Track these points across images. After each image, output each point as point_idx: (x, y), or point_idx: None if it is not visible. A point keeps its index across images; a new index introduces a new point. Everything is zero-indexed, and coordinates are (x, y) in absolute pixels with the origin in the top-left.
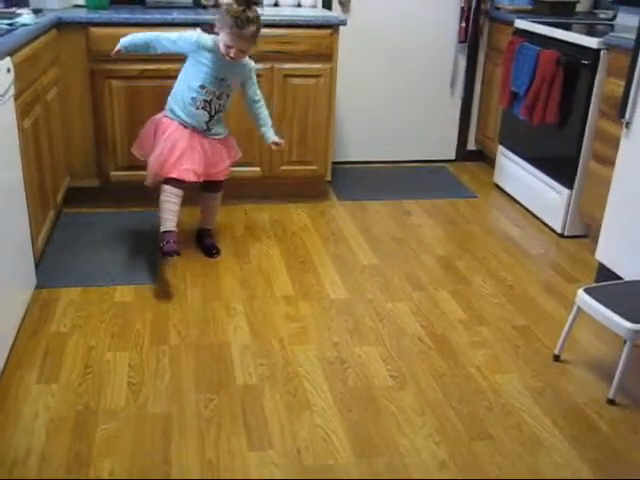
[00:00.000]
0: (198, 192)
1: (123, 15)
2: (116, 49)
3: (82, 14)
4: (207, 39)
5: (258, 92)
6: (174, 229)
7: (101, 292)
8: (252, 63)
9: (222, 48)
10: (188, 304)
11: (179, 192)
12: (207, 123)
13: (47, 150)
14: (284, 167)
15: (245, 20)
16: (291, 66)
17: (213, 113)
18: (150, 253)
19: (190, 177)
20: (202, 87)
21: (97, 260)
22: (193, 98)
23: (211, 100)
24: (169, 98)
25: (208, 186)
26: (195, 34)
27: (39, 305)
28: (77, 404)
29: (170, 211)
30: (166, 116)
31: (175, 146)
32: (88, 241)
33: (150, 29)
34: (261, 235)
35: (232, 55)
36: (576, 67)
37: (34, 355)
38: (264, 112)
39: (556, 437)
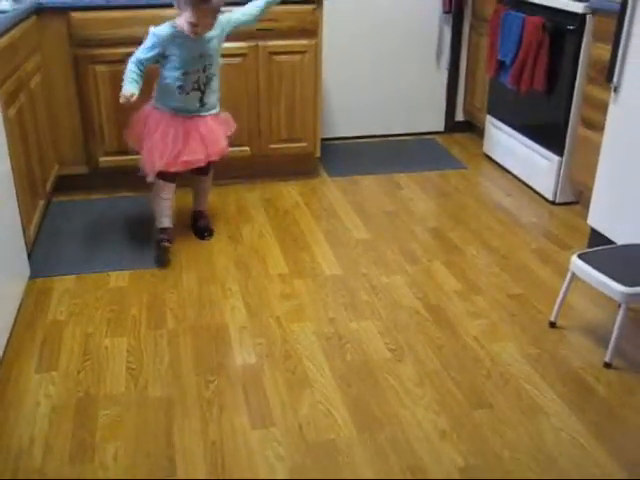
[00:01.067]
0: (189, 175)
1: None
2: (130, 96)
3: None
4: (164, 29)
5: (245, 10)
6: (170, 225)
7: (96, 279)
8: (225, 20)
9: (187, 28)
10: (184, 287)
11: (172, 186)
12: (200, 100)
13: (34, 138)
14: (273, 145)
15: None
16: (276, 43)
17: (204, 87)
18: (143, 237)
19: (198, 163)
20: (185, 73)
21: (90, 247)
22: (180, 86)
23: (198, 78)
24: (156, 90)
25: (199, 168)
26: (151, 33)
27: (34, 295)
28: (78, 391)
29: (166, 207)
30: (156, 108)
31: (172, 139)
32: (80, 228)
33: (131, 11)
34: (253, 215)
35: (199, 32)
36: (562, 33)
37: (32, 345)
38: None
39: (555, 402)
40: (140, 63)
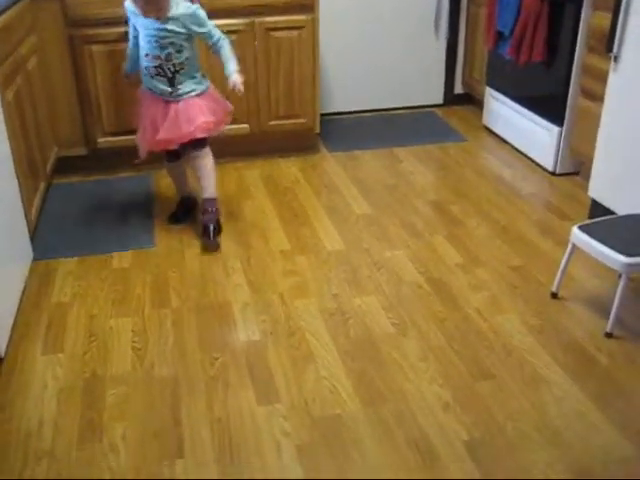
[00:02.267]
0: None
1: None
2: (126, 74)
3: None
4: (129, 3)
5: (213, 34)
6: (182, 196)
7: (99, 260)
8: (187, 9)
9: (138, 10)
10: (186, 266)
11: (173, 164)
12: (170, 87)
13: (32, 121)
14: (272, 122)
15: None
16: (272, 19)
17: (171, 75)
18: (145, 217)
19: (175, 141)
20: (146, 55)
21: (92, 228)
22: (146, 67)
23: (160, 65)
24: None
25: (189, 146)
26: (125, 5)
27: (37, 277)
28: (84, 372)
29: (176, 182)
30: (143, 88)
31: (149, 119)
32: (81, 210)
33: None
34: (253, 192)
35: (150, 15)
36: (561, 2)
37: (37, 327)
38: (223, 51)
39: (557, 373)
40: (131, 37)
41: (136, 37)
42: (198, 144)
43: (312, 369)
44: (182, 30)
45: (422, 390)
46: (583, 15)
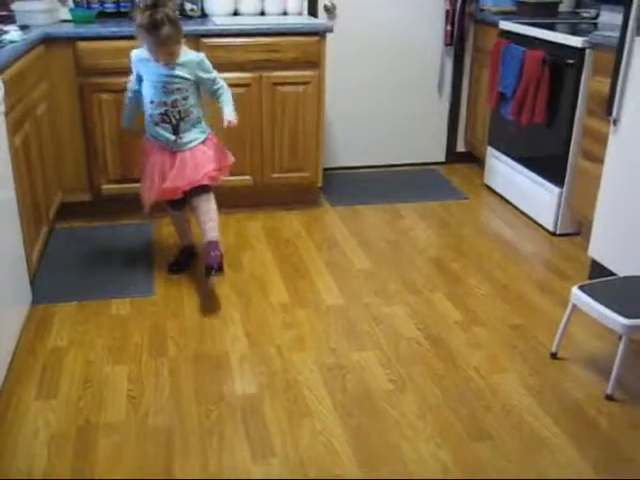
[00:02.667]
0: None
1: (110, 28)
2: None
3: (69, 29)
4: (137, 51)
5: (217, 81)
6: (184, 245)
7: (97, 306)
8: (195, 57)
9: (151, 55)
10: (185, 315)
11: (178, 213)
12: (175, 135)
13: (38, 166)
14: (275, 175)
15: (154, 24)
16: (279, 74)
17: (175, 123)
18: (145, 265)
19: (180, 189)
20: (151, 102)
21: (92, 274)
22: (150, 115)
23: (166, 111)
24: None
25: (193, 192)
26: (131, 54)
27: (35, 321)
28: (78, 419)
29: (180, 231)
30: (147, 137)
31: (156, 168)
32: (82, 255)
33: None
34: (254, 243)
35: (161, 59)
36: (562, 66)
37: (32, 372)
38: (224, 97)
39: (557, 435)
40: (132, 87)
41: (138, 91)
42: (203, 190)
43: (308, 424)
44: (189, 76)
45: (419, 449)
46: (583, 79)
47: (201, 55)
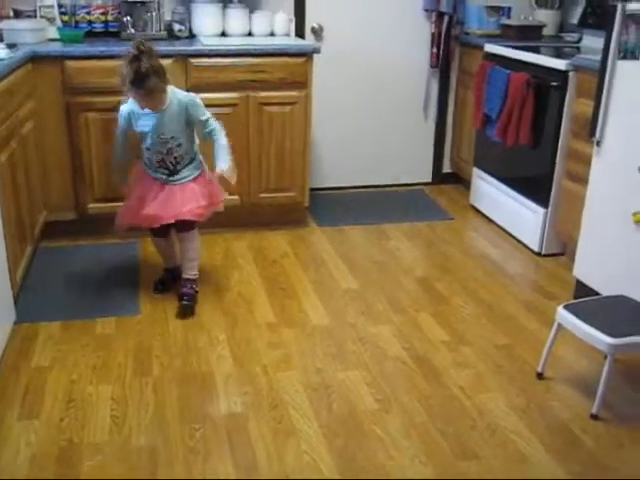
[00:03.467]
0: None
1: (98, 48)
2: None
3: (57, 48)
4: (125, 106)
5: (209, 123)
6: (168, 267)
7: (82, 325)
8: (184, 97)
9: (137, 104)
10: (170, 334)
11: (161, 240)
12: (170, 175)
13: (24, 184)
14: (262, 195)
15: (140, 78)
16: (266, 94)
17: (172, 167)
18: (131, 284)
19: (153, 223)
20: (148, 149)
21: (77, 293)
22: (148, 158)
23: (162, 159)
24: None
25: (178, 226)
26: (121, 111)
27: (19, 340)
28: (60, 439)
29: (162, 255)
30: (140, 163)
31: (140, 193)
32: (67, 274)
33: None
34: (241, 263)
35: (149, 107)
36: (546, 88)
37: (15, 391)
38: (218, 142)
39: (542, 454)
40: (120, 134)
41: (124, 144)
42: (185, 227)
43: (293, 443)
44: (179, 123)
45: (405, 469)
46: (567, 101)
47: (191, 95)
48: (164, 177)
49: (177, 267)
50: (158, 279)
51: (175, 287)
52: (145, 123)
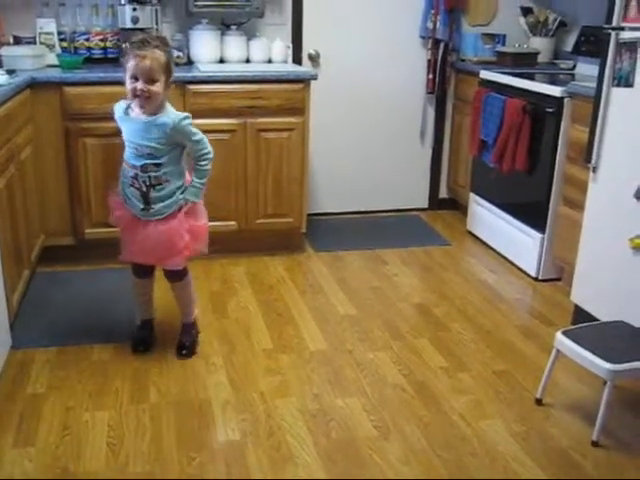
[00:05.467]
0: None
1: (97, 74)
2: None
3: (56, 74)
4: (118, 104)
5: (202, 143)
6: (144, 319)
7: (78, 351)
8: (175, 117)
9: (129, 93)
10: (167, 361)
11: (143, 281)
12: (143, 203)
13: (21, 209)
14: (260, 220)
15: (144, 41)
16: (264, 120)
17: (145, 190)
18: (127, 310)
19: (137, 259)
20: (126, 162)
21: (74, 319)
22: (124, 175)
23: (136, 175)
24: None
25: (166, 273)
26: (114, 108)
27: (14, 366)
28: (55, 467)
29: (139, 302)
30: (117, 193)
31: (122, 225)
32: (64, 300)
33: (124, 87)
34: (238, 289)
35: (138, 92)
36: (542, 115)
37: (10, 418)
38: (202, 168)
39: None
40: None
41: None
42: (175, 275)
43: (292, 471)
44: (162, 141)
45: None
46: (563, 128)
47: (182, 115)
48: (137, 203)
49: (153, 319)
50: (137, 337)
51: (155, 341)
52: (130, 127)
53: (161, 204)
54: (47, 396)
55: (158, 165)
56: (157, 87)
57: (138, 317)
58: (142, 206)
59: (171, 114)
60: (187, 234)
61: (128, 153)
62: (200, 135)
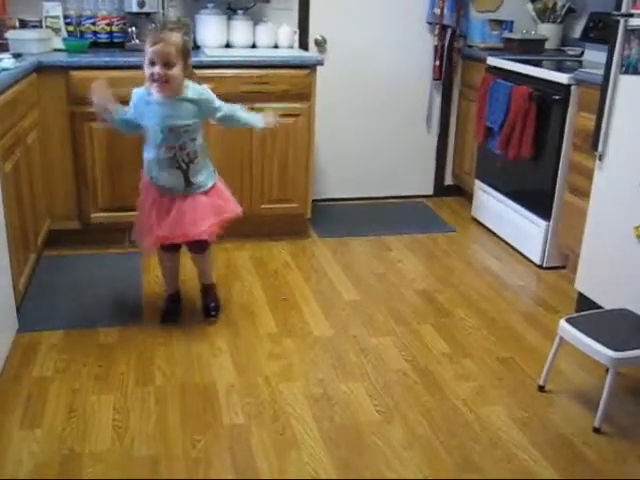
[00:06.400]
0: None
1: (103, 58)
2: (107, 114)
3: (62, 58)
4: (139, 90)
5: (226, 108)
6: (173, 291)
7: (84, 334)
8: (202, 92)
9: (147, 79)
10: (172, 345)
11: (171, 255)
12: (185, 181)
13: (28, 193)
14: (265, 205)
15: (164, 25)
16: (270, 105)
17: (185, 167)
18: (133, 294)
19: (175, 239)
20: (158, 146)
21: (79, 302)
22: (158, 160)
23: (174, 155)
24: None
25: (191, 246)
26: (132, 92)
27: (21, 349)
28: (62, 449)
29: (168, 275)
30: (146, 178)
31: (155, 215)
32: (70, 283)
33: (129, 72)
34: (243, 274)
35: (156, 77)
36: (548, 102)
37: (16, 400)
38: (240, 114)
39: (545, 468)
40: (124, 122)
41: (125, 120)
42: (199, 247)
43: (295, 454)
44: (195, 111)
45: None
46: (569, 115)
47: (205, 87)
48: (178, 182)
49: (179, 291)
50: (165, 309)
51: (182, 314)
52: (157, 111)
53: (199, 176)
54: (53, 379)
55: (194, 140)
56: (174, 71)
57: (166, 290)
58: (184, 184)
59: (196, 88)
60: (214, 215)
61: (163, 136)
62: (218, 100)
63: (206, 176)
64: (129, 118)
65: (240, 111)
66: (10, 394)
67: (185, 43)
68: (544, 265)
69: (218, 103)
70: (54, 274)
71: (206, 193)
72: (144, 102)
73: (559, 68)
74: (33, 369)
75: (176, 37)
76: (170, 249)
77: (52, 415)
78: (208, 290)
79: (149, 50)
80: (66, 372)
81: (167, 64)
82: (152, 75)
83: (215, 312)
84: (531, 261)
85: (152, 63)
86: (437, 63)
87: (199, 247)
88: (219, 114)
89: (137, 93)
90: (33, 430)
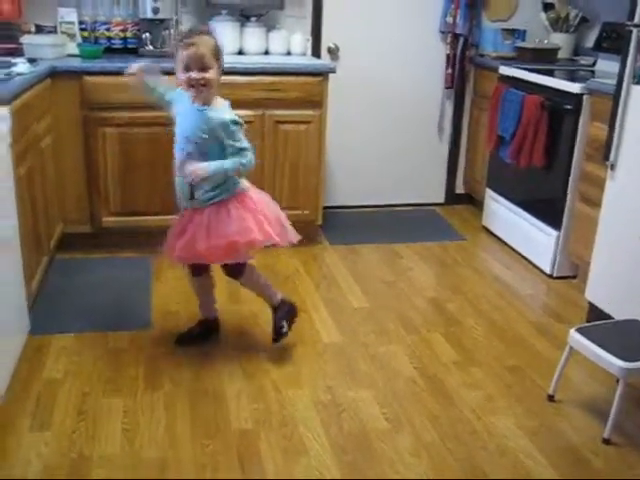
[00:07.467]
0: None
1: (117, 64)
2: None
3: (76, 63)
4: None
5: (243, 153)
6: (204, 317)
7: (95, 338)
8: (226, 115)
9: (184, 85)
10: (182, 350)
11: (199, 279)
12: (190, 192)
13: (41, 197)
14: None
15: (194, 32)
16: (282, 112)
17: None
18: (144, 298)
19: (195, 260)
20: (175, 144)
21: (91, 306)
22: (175, 162)
23: (181, 163)
24: None
25: (225, 269)
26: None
27: (32, 351)
28: (71, 451)
29: (200, 298)
30: None
31: (173, 227)
32: (81, 287)
33: None
34: None
35: (193, 82)
36: (560, 111)
37: (27, 402)
38: (235, 160)
39: (552, 477)
40: (162, 91)
41: (159, 92)
42: (234, 270)
43: (303, 461)
44: (212, 132)
45: None
46: (581, 125)
47: (232, 115)
48: (183, 188)
49: (214, 319)
50: (186, 330)
51: (205, 342)
52: (185, 111)
53: (203, 193)
54: (63, 381)
55: (203, 155)
56: (211, 74)
57: (200, 313)
58: (188, 196)
59: (223, 110)
60: (238, 237)
61: (180, 138)
62: (242, 143)
63: (219, 191)
64: (163, 93)
65: (235, 164)
66: (20, 396)
67: (217, 44)
68: (554, 274)
69: (238, 145)
70: (66, 277)
71: (227, 208)
72: (183, 98)
73: (571, 78)
74: (43, 371)
75: (208, 39)
76: (196, 269)
77: (62, 417)
78: (273, 312)
79: (183, 55)
80: (76, 375)
81: (203, 67)
82: (189, 80)
83: (275, 337)
84: (541, 270)
85: (187, 68)
86: (449, 72)
87: (231, 270)
88: (228, 150)
89: (183, 95)
90: (42, 432)
